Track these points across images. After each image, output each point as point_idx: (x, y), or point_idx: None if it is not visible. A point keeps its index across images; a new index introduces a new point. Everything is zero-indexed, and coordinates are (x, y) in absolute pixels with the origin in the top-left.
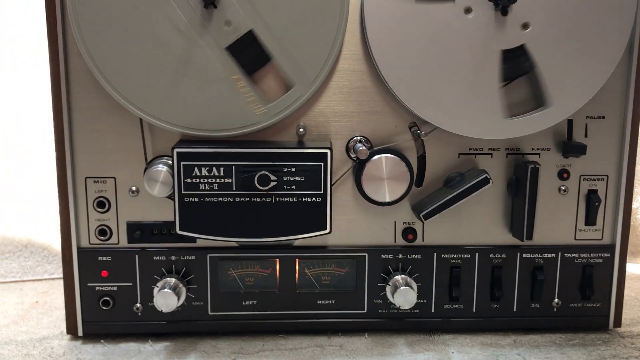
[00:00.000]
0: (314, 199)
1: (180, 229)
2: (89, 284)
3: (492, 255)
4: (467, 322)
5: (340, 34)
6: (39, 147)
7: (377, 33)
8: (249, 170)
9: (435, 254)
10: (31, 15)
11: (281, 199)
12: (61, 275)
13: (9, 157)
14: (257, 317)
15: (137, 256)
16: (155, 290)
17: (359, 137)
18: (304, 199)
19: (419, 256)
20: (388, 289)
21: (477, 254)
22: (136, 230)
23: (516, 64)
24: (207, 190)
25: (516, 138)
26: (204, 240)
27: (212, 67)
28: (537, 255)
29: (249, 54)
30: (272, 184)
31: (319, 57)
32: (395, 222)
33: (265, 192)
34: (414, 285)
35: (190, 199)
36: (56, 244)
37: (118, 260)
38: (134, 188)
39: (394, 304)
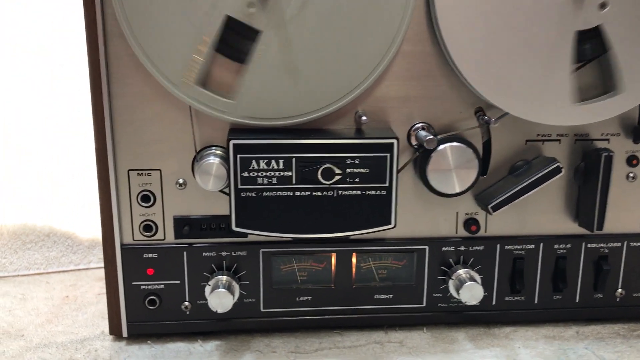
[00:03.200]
0: (378, 192)
1: (236, 226)
2: (133, 283)
3: (556, 246)
4: (528, 314)
5: (408, 12)
6: (59, 130)
7: (446, 12)
8: (310, 162)
9: (498, 245)
10: (31, 15)
11: (344, 192)
12: (88, 266)
13: (25, 140)
14: (311, 314)
15: (185, 252)
16: (207, 289)
17: (422, 124)
18: (367, 193)
19: (481, 248)
20: (451, 284)
21: (541, 244)
22: (184, 226)
23: (590, 46)
24: (265, 185)
25: (585, 124)
26: (254, 235)
27: (277, 50)
28: (602, 244)
29: None
30: (337, 177)
31: (386, 35)
32: (457, 213)
33: (327, 186)
34: (479, 279)
35: (247, 193)
36: (80, 232)
37: (165, 257)
38: (180, 180)
39: (457, 299)
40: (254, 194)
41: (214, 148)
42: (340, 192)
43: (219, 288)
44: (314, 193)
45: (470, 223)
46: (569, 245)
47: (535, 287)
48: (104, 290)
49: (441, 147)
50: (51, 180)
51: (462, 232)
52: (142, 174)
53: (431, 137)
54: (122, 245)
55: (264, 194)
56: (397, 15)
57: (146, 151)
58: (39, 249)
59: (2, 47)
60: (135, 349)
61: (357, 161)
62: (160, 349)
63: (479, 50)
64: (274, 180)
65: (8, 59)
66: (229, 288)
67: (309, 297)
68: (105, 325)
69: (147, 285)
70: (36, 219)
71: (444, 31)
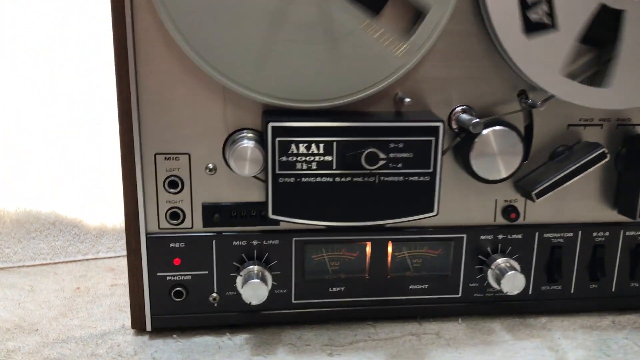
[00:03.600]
0: (422, 178)
1: (273, 213)
2: (159, 274)
3: (594, 234)
4: (564, 304)
5: None
6: (59, 130)
7: None
8: (351, 146)
9: (537, 233)
10: (31, 15)
11: (386, 178)
12: (97, 256)
13: (25, 140)
14: (344, 305)
15: (214, 241)
16: (239, 280)
17: (462, 107)
18: (410, 179)
19: (519, 236)
20: (490, 273)
21: (580, 232)
22: (213, 213)
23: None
24: (304, 170)
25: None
26: (288, 223)
27: (328, 22)
28: None
29: None
30: (381, 162)
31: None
32: (496, 200)
33: (368, 172)
34: (519, 268)
35: (286, 179)
36: (88, 220)
37: (192, 246)
38: (210, 165)
39: (494, 289)
40: (292, 179)
41: (245, 131)
42: (382, 178)
43: (252, 279)
44: (354, 179)
45: (510, 211)
46: (607, 233)
47: (572, 276)
48: (117, 282)
49: (485, 131)
50: (51, 180)
51: (501, 220)
52: (169, 158)
53: (477, 120)
54: (147, 234)
55: (303, 179)
56: None
57: (174, 134)
58: (44, 238)
59: (3, 47)
60: (161, 344)
61: (400, 145)
62: (187, 343)
63: (527, 29)
64: (314, 166)
65: (8, 59)
66: (263, 278)
67: (342, 288)
68: (124, 319)
69: (174, 276)
70: (40, 206)
71: (492, 9)
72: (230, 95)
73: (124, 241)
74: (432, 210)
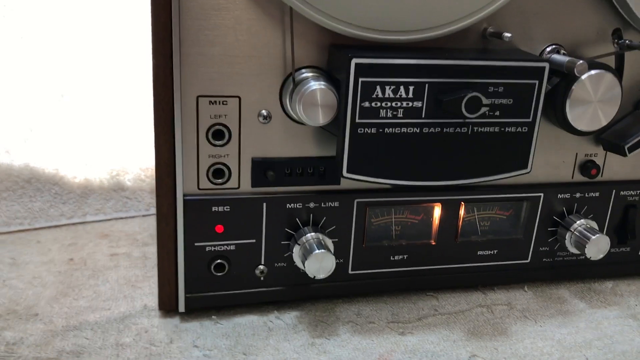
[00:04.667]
0: (519, 128)
1: (348, 171)
2: (197, 244)
3: None
4: (630, 267)
5: None
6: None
7: None
8: (446, 89)
9: (614, 191)
10: None
11: (480, 129)
12: (84, 219)
13: None
14: (406, 274)
15: (264, 204)
16: (297, 249)
17: (553, 46)
18: (507, 129)
19: (597, 194)
20: (568, 237)
21: None
22: (265, 170)
23: None
24: (389, 119)
25: None
26: (357, 182)
27: None
28: None
29: None
30: (484, 109)
31: None
32: (576, 154)
33: (461, 122)
34: (595, 226)
35: (366, 129)
36: (70, 175)
37: (238, 210)
38: (264, 112)
39: (571, 252)
40: (373, 130)
41: (306, 70)
42: (476, 128)
43: (314, 249)
44: (445, 130)
45: (590, 167)
46: None
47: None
48: (116, 250)
49: (590, 74)
50: (23, 126)
51: (578, 177)
52: (215, 102)
53: (582, 61)
54: (184, 195)
55: (386, 130)
56: None
57: (222, 72)
58: (18, 199)
59: None
60: (198, 327)
61: (501, 89)
62: (230, 325)
63: None
64: (400, 113)
65: None
66: (325, 247)
67: (405, 256)
68: (142, 297)
69: (214, 247)
70: (12, 159)
71: None
72: (294, 23)
73: (114, 201)
74: (525, 167)
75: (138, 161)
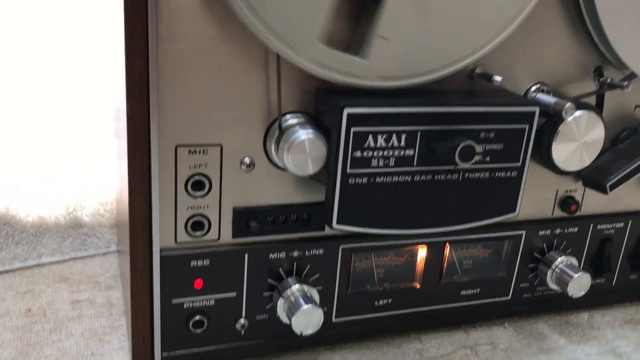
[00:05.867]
0: (509, 173)
1: (338, 222)
2: (174, 301)
3: None
4: (604, 297)
5: None
6: None
7: None
8: (438, 137)
9: (591, 225)
10: None
11: (471, 175)
12: (40, 261)
13: None
14: (389, 319)
15: (246, 255)
16: (280, 302)
17: (539, 85)
18: (497, 174)
19: (575, 230)
20: (549, 274)
21: (630, 221)
22: (248, 219)
23: None
24: (380, 167)
25: None
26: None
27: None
28: None
29: None
30: (477, 157)
31: None
32: (557, 190)
33: (452, 169)
34: (575, 263)
35: (357, 180)
36: (22, 213)
37: (219, 262)
38: (247, 160)
39: (551, 288)
40: (364, 180)
41: (292, 116)
42: (467, 174)
43: (301, 304)
44: (436, 177)
45: (570, 203)
46: None
47: (616, 268)
48: (78, 297)
49: (577, 114)
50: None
51: (558, 213)
52: (195, 151)
53: (569, 103)
54: (161, 250)
55: (377, 179)
56: None
57: (203, 119)
58: None
59: None
60: None
61: (492, 135)
62: None
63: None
64: (392, 162)
65: None
66: (311, 299)
67: (389, 300)
68: (112, 352)
69: (193, 302)
70: None
71: None
72: (278, 63)
73: (71, 239)
74: (514, 210)
75: (96, 195)
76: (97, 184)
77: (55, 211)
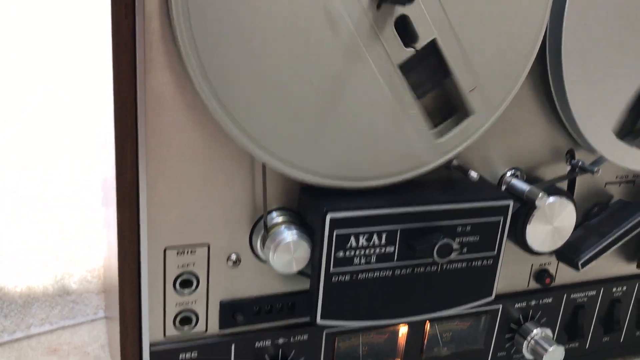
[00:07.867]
0: (484, 262)
1: (322, 317)
2: None
3: (614, 289)
4: None
5: (534, 53)
6: None
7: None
8: (417, 234)
9: (565, 294)
10: None
11: (449, 266)
12: (28, 333)
13: None
14: None
15: (233, 345)
16: None
17: (512, 171)
18: (474, 264)
19: (550, 300)
20: (525, 345)
21: (602, 289)
22: (233, 312)
23: None
24: (362, 265)
25: None
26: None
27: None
28: None
29: (423, 73)
30: (453, 254)
31: (509, 78)
32: (532, 264)
33: (430, 262)
34: (550, 335)
35: (340, 278)
36: (11, 284)
37: (206, 353)
38: (233, 257)
39: (525, 357)
40: (347, 277)
41: (275, 214)
42: (445, 266)
43: None
44: (415, 270)
45: (544, 276)
46: (624, 288)
47: (589, 332)
48: None
49: (551, 200)
50: None
51: (533, 284)
52: (183, 252)
53: (542, 193)
54: (150, 346)
55: (359, 276)
56: (525, 55)
57: (190, 220)
58: None
59: None
60: None
61: (468, 228)
62: None
63: (596, 88)
64: (373, 259)
65: None
66: None
67: None
68: None
69: None
70: None
71: (566, 68)
72: (263, 170)
73: (60, 307)
74: (490, 295)
75: (83, 262)
76: (83, 251)
77: (44, 280)
